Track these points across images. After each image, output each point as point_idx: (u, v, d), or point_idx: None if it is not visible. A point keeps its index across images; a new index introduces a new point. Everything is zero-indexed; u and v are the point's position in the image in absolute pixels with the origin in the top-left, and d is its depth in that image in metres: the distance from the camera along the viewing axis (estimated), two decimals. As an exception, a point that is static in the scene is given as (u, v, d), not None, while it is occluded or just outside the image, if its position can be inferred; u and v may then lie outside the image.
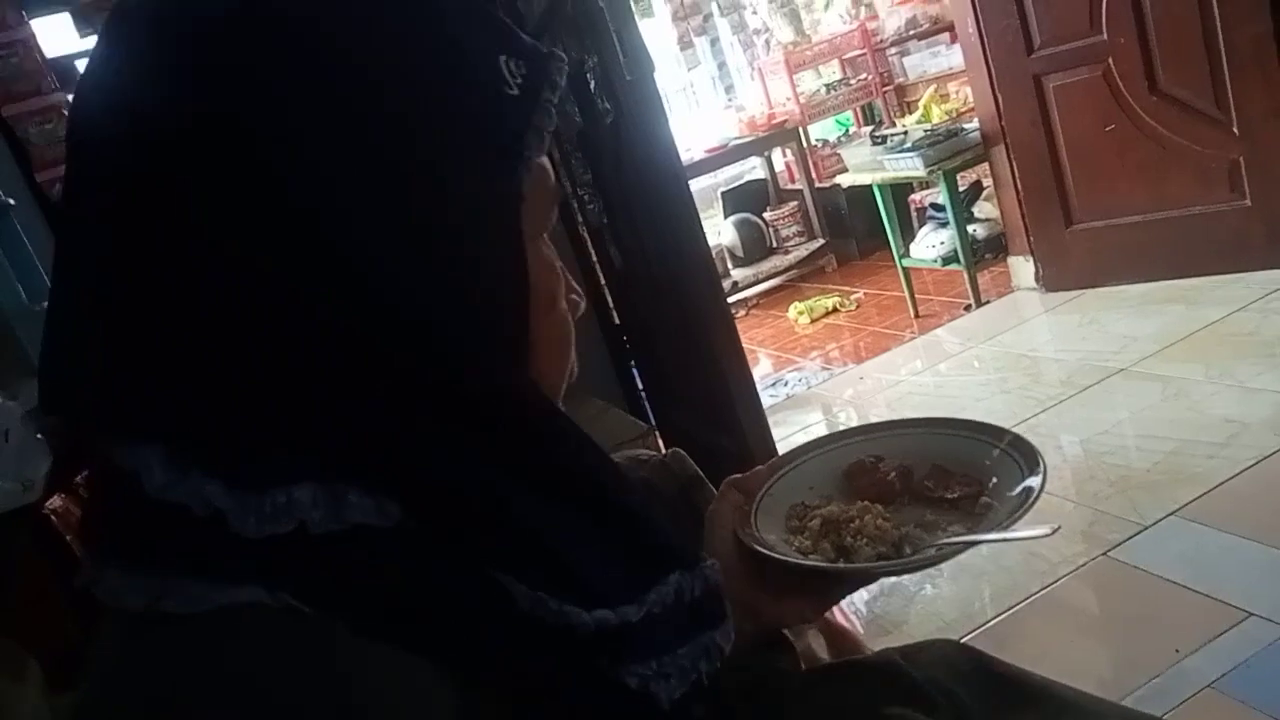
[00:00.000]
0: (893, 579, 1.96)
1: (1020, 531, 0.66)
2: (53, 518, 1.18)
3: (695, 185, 4.70)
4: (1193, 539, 1.93)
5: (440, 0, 0.43)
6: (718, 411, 2.18)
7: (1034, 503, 0.67)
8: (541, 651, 0.42)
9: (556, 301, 0.50)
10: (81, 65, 2.23)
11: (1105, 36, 3.05)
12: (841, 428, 3.04)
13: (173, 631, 0.37)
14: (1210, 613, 1.70)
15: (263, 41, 0.39)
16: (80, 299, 0.41)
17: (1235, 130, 2.88)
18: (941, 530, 0.71)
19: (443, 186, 0.41)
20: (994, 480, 0.72)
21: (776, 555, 0.67)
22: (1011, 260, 3.72)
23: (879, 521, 0.71)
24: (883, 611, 2.07)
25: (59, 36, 2.27)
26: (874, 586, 1.93)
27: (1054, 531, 0.68)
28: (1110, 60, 3.07)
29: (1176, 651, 1.64)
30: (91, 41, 2.17)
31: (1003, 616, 1.90)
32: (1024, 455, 0.72)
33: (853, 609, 2.06)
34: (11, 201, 1.75)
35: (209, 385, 0.39)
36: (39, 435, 1.25)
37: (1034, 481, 0.68)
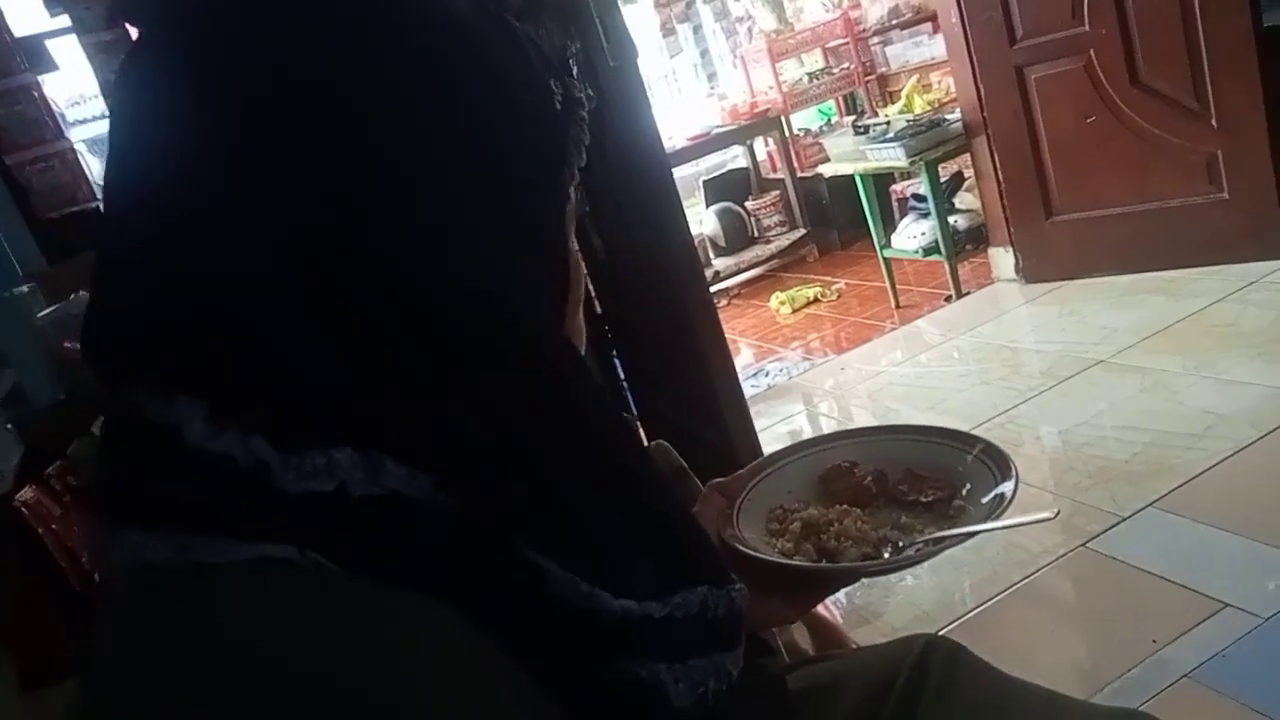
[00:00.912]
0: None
1: (1023, 517, 0.68)
2: (23, 509, 1.16)
3: (677, 173, 4.66)
4: (1170, 530, 1.95)
5: (512, 26, 0.49)
6: (700, 402, 2.17)
7: (1009, 505, 0.69)
8: (563, 632, 0.42)
9: (580, 298, 0.53)
10: (53, 46, 2.19)
11: (1087, 28, 3.06)
12: (823, 417, 3.05)
13: (205, 582, 0.37)
14: (1188, 603, 1.72)
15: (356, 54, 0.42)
16: (130, 254, 0.42)
17: (1214, 123, 2.90)
18: (918, 533, 0.73)
19: (512, 176, 0.45)
20: (968, 486, 0.74)
21: (765, 557, 0.68)
22: (992, 251, 3.73)
23: (859, 524, 0.73)
24: (863, 603, 2.07)
25: (28, 15, 2.22)
26: (855, 577, 1.94)
27: (1055, 515, 0.69)
28: (1092, 52, 3.08)
29: (1154, 642, 1.65)
30: (62, 21, 2.13)
31: (982, 607, 1.91)
32: (996, 462, 0.74)
33: (834, 600, 2.07)
34: (-20, 185, 1.71)
35: (255, 345, 0.39)
36: (8, 426, 1.22)
37: (1006, 487, 0.70)
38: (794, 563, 0.69)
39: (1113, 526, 2.01)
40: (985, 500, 0.71)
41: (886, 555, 0.70)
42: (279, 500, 0.38)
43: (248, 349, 0.39)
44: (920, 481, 0.76)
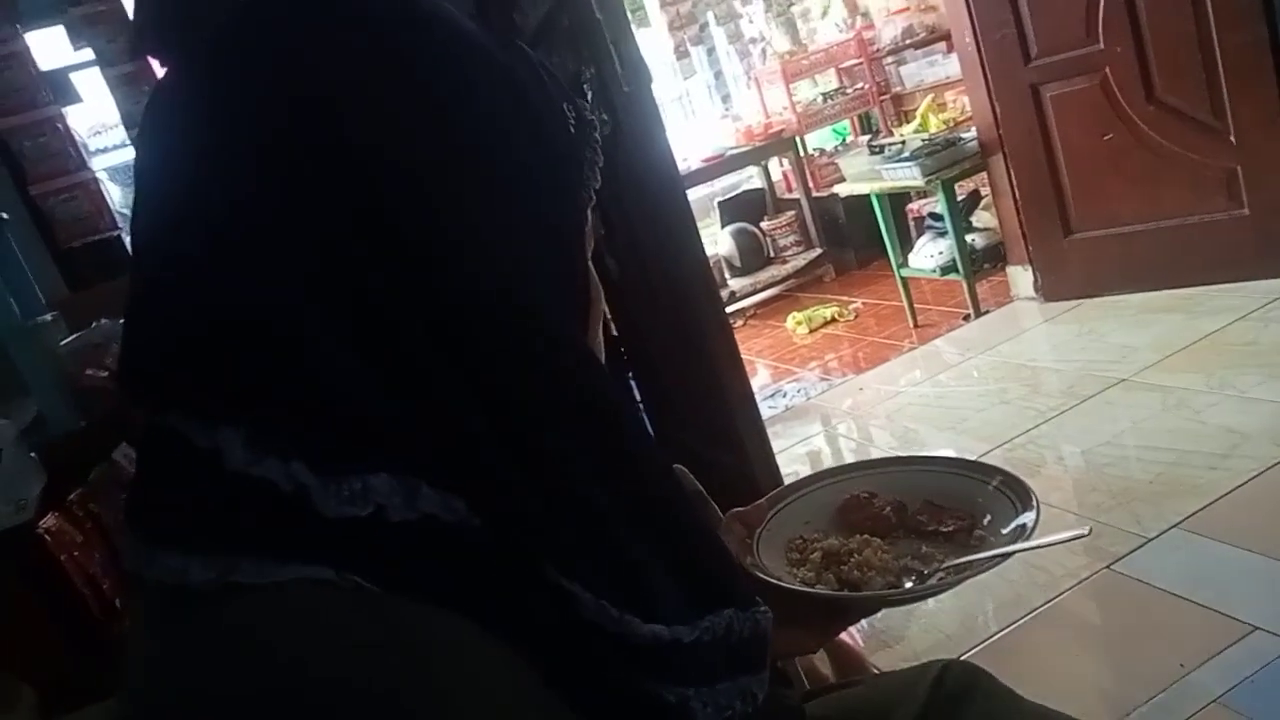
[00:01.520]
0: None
1: (1055, 536, 0.68)
2: (46, 537, 1.17)
3: (691, 195, 4.67)
4: (1196, 551, 1.92)
5: (527, 53, 0.50)
6: (717, 424, 2.16)
7: (1031, 534, 0.68)
8: (592, 655, 0.42)
9: (599, 318, 0.53)
10: (76, 79, 2.23)
11: (1102, 46, 3.05)
12: (841, 438, 3.03)
13: (246, 600, 0.38)
14: (1215, 626, 1.69)
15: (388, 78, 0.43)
16: (163, 283, 0.43)
17: (1232, 139, 2.88)
18: (938, 562, 0.72)
19: (533, 197, 0.46)
20: (988, 517, 0.74)
21: (789, 586, 0.68)
22: (1010, 270, 3.71)
23: (880, 554, 0.72)
24: (883, 627, 2.05)
25: (53, 49, 2.26)
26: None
27: (1089, 533, 0.68)
28: (1107, 69, 3.07)
29: (1181, 666, 1.62)
30: (86, 54, 2.17)
31: (1005, 631, 1.89)
32: (1016, 492, 0.74)
33: (854, 626, 2.05)
34: (5, 216, 1.74)
35: (291, 373, 0.40)
36: (32, 455, 1.23)
37: (1028, 517, 0.70)
38: (818, 591, 0.68)
39: (1137, 548, 1.98)
40: (1006, 531, 0.70)
41: (909, 584, 0.69)
42: (318, 524, 0.39)
43: (284, 377, 0.40)
44: (939, 512, 0.75)
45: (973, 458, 2.51)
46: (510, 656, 0.40)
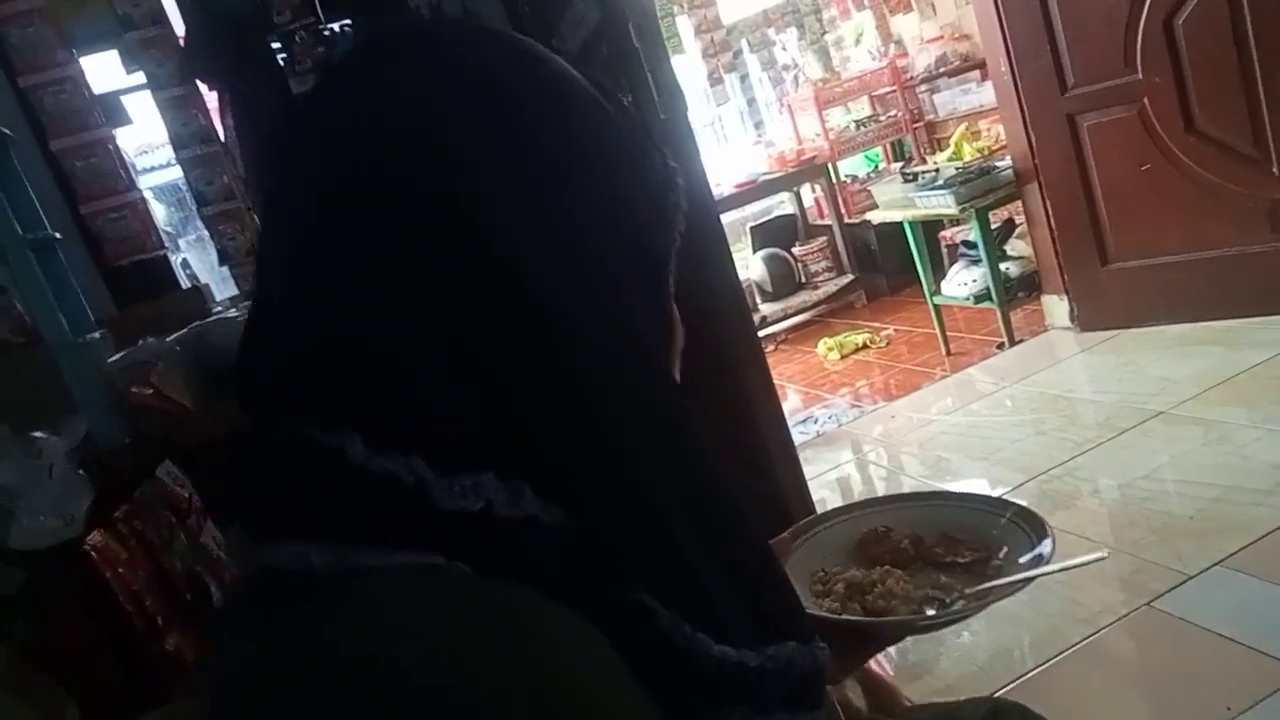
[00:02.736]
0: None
1: (1074, 560, 0.69)
2: (93, 554, 1.18)
3: (724, 220, 4.70)
4: (1240, 590, 1.88)
5: (621, 101, 0.53)
6: (749, 450, 2.15)
7: (1049, 562, 0.70)
8: (661, 671, 0.43)
9: (677, 357, 0.55)
10: (127, 101, 2.29)
11: (1140, 75, 3.04)
12: (872, 465, 3.02)
13: (365, 580, 0.40)
14: (1261, 669, 1.65)
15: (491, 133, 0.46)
16: (288, 295, 0.46)
17: (1275, 170, 2.85)
18: (958, 591, 0.73)
19: (633, 237, 0.49)
20: (1004, 549, 0.75)
21: (817, 613, 0.68)
22: (1045, 299, 3.68)
23: (902, 584, 0.74)
24: (916, 659, 2.02)
25: (106, 73, 2.32)
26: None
27: (1105, 556, 0.69)
28: (1145, 100, 3.05)
29: (1228, 709, 1.59)
30: (138, 77, 2.23)
31: (1042, 667, 1.85)
32: (1030, 525, 0.75)
33: (885, 657, 2.02)
34: (58, 235, 1.78)
35: (407, 387, 0.43)
36: (80, 471, 1.25)
37: (1045, 547, 0.71)
38: (845, 618, 0.69)
39: (1178, 585, 1.94)
40: (1023, 560, 0.72)
41: (933, 612, 0.70)
42: (434, 514, 0.41)
43: (400, 390, 0.43)
44: (956, 545, 0.77)
45: (985, 492, 2.52)
46: (611, 651, 0.42)
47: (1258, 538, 2.00)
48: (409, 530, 0.42)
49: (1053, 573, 0.69)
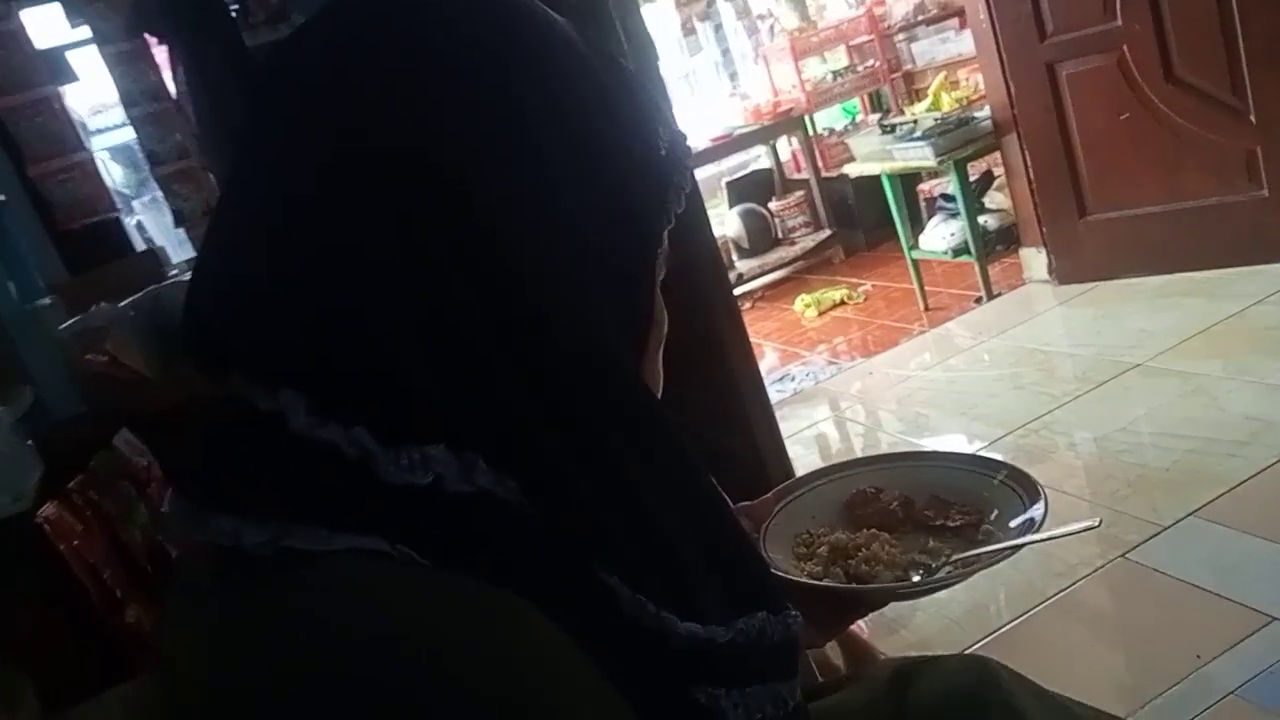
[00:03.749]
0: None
1: (1064, 528, 0.68)
2: (46, 527, 1.15)
3: (699, 175, 4.65)
4: (1214, 541, 1.89)
5: (627, 72, 0.51)
6: (725, 409, 2.13)
7: (1039, 528, 0.69)
8: (627, 650, 0.42)
9: (661, 342, 0.53)
10: (73, 57, 2.19)
11: (1120, 23, 2.99)
12: (850, 422, 3.00)
13: (302, 569, 0.38)
14: (1232, 617, 1.66)
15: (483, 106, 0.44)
16: (239, 246, 0.44)
17: (1253, 119, 2.82)
18: (945, 556, 0.72)
19: (619, 214, 0.47)
20: (995, 512, 0.74)
21: (796, 579, 0.67)
22: (1024, 252, 3.66)
23: (887, 548, 0.73)
24: (893, 614, 2.02)
25: (49, 28, 2.22)
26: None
27: (1099, 524, 0.68)
28: (1125, 48, 3.01)
29: (1198, 658, 1.60)
30: (83, 32, 2.13)
31: (1018, 620, 1.86)
32: (1023, 486, 0.74)
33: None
34: (2, 198, 1.71)
35: (358, 343, 0.41)
36: (28, 443, 1.21)
37: (1036, 511, 0.70)
38: (825, 584, 0.68)
39: (1153, 537, 1.95)
40: (1014, 524, 0.70)
41: (917, 578, 0.68)
42: (378, 491, 0.39)
43: (351, 347, 0.41)
44: (946, 507, 0.76)
45: (978, 452, 2.52)
46: (564, 638, 0.40)
47: (1231, 488, 2.01)
48: (351, 508, 0.39)
49: (1042, 540, 0.68)
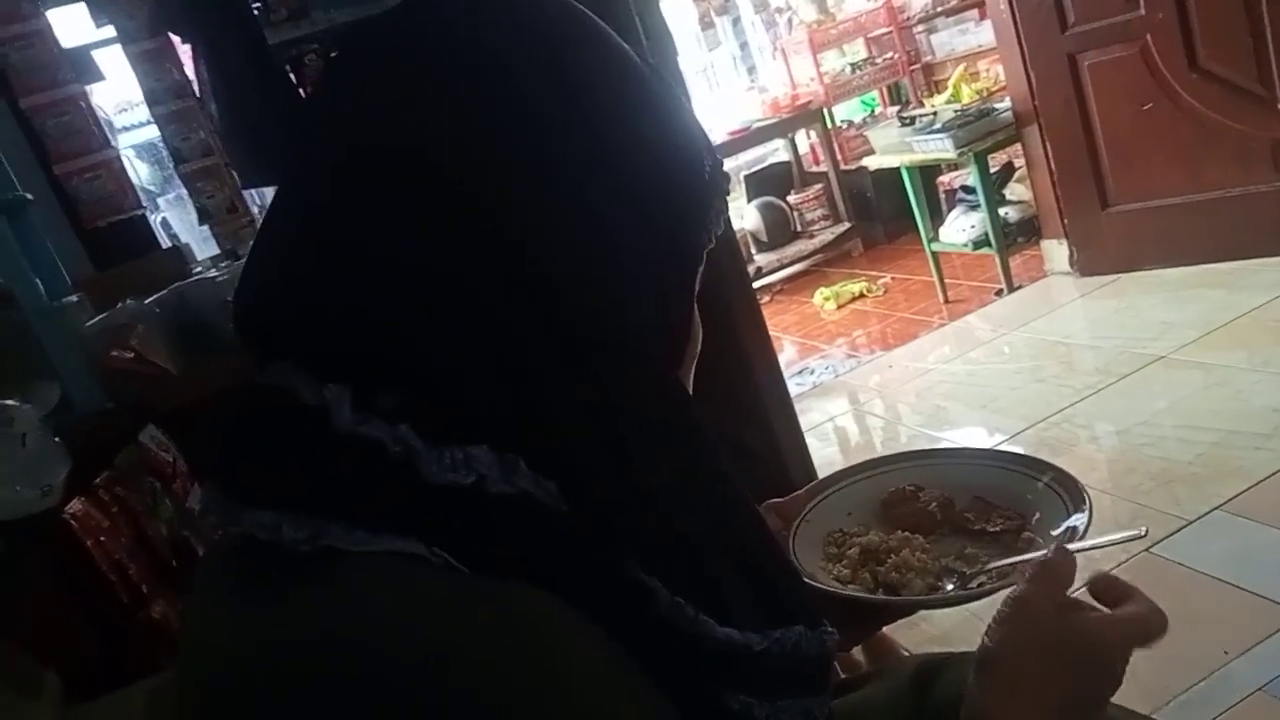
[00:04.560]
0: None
1: (1106, 537, 0.65)
2: (72, 523, 1.16)
3: (718, 169, 4.62)
4: (1239, 535, 1.87)
5: (677, 93, 0.51)
6: (744, 403, 2.13)
7: (1082, 538, 0.66)
8: (663, 652, 0.43)
9: (695, 357, 0.54)
10: (98, 56, 2.22)
11: (1143, 12, 2.95)
12: (869, 416, 2.98)
13: (340, 568, 0.38)
14: (1258, 612, 1.64)
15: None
16: (294, 232, 0.45)
17: (1279, 108, 2.78)
18: (982, 564, 0.69)
19: (664, 231, 0.48)
20: (1037, 515, 0.71)
21: (821, 586, 0.66)
22: (1045, 244, 3.63)
23: (919, 554, 0.70)
24: (915, 608, 2.02)
25: (75, 27, 2.25)
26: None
27: (1144, 534, 0.66)
28: (1148, 37, 2.97)
29: (1224, 653, 1.58)
30: (107, 31, 2.16)
31: (1040, 614, 1.85)
32: (1068, 490, 0.71)
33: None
34: (29, 196, 1.73)
35: (407, 340, 0.41)
36: (56, 439, 1.23)
37: (1079, 520, 0.67)
38: (851, 594, 0.66)
39: (1177, 531, 1.93)
40: (1056, 533, 0.67)
41: (950, 587, 0.66)
42: (419, 491, 0.39)
43: (400, 343, 0.41)
44: (988, 510, 0.73)
45: (1001, 446, 2.50)
46: (601, 633, 0.40)
47: (1256, 482, 1.99)
48: (391, 508, 0.39)
49: (1084, 550, 0.64)
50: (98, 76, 2.26)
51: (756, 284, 4.42)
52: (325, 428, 0.40)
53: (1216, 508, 1.96)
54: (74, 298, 1.69)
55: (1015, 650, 0.54)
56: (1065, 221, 3.45)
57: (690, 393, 0.54)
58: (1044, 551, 0.65)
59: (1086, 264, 3.43)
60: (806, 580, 0.66)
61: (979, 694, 0.53)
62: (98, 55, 2.27)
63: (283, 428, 0.41)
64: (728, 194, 0.53)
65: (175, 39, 2.19)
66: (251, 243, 0.48)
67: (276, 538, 0.39)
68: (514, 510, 0.40)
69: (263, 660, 0.37)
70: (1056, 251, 3.56)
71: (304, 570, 0.38)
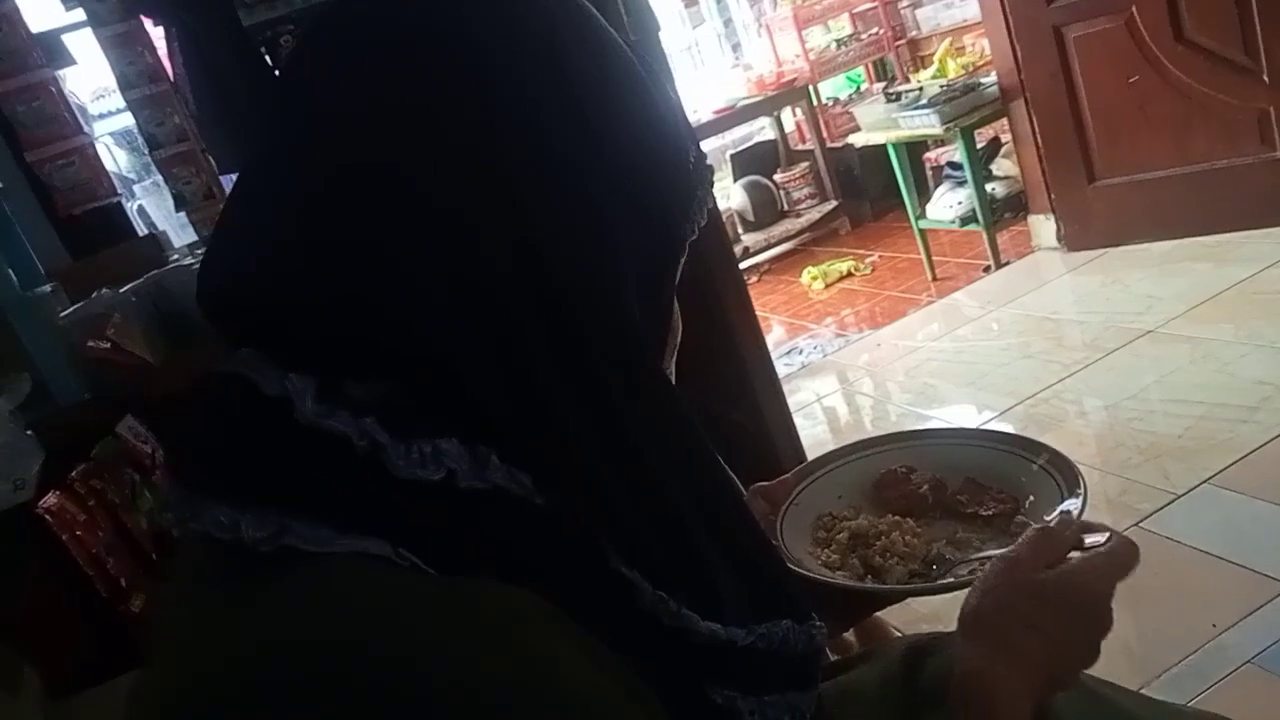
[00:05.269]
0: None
1: (1097, 536, 0.63)
2: (47, 517, 1.14)
3: (703, 148, 4.59)
4: (1227, 508, 1.87)
5: (665, 87, 0.51)
6: (732, 383, 2.12)
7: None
8: (647, 646, 0.42)
9: (675, 348, 0.53)
10: (69, 40, 2.17)
11: (1129, -17, 2.93)
12: (859, 395, 2.96)
13: (303, 571, 0.36)
14: (1247, 585, 1.65)
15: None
16: (264, 220, 0.43)
17: (1266, 79, 2.77)
18: (974, 549, 0.68)
19: (649, 218, 0.47)
20: (1030, 499, 0.70)
21: (807, 574, 0.64)
22: (1032, 219, 3.62)
23: (909, 538, 0.69)
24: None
25: (44, 10, 2.20)
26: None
27: (1109, 538, 0.63)
28: (1134, 9, 2.95)
29: (1213, 626, 1.59)
30: (78, 14, 2.11)
31: (1030, 590, 1.85)
32: (1063, 473, 0.69)
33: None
34: (0, 184, 1.69)
35: (371, 330, 0.40)
36: (28, 433, 1.20)
37: (1073, 505, 0.66)
38: (839, 582, 0.65)
39: (1166, 505, 1.93)
40: (1049, 518, 0.66)
41: (937, 573, 0.65)
42: (387, 487, 0.38)
43: (367, 333, 0.40)
44: (981, 492, 0.72)
45: (990, 424, 2.49)
46: (578, 628, 0.39)
47: (1244, 454, 1.99)
48: (356, 505, 0.38)
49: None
50: (69, 61, 2.21)
51: (743, 264, 4.40)
52: (285, 421, 0.38)
53: (1205, 481, 1.96)
54: (48, 287, 1.67)
55: (998, 607, 0.53)
56: (1052, 196, 3.44)
57: (674, 383, 0.53)
58: (1050, 518, 0.64)
59: (1074, 239, 3.43)
60: (794, 567, 0.65)
61: (968, 657, 0.53)
62: (68, 39, 2.22)
63: (241, 420, 0.40)
64: (711, 184, 0.53)
65: (147, 22, 2.14)
66: (215, 224, 0.46)
67: (235, 536, 0.37)
68: (486, 506, 0.39)
69: (225, 675, 0.36)
70: (1044, 227, 3.55)
71: (267, 572, 0.36)
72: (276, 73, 2.03)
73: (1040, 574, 0.54)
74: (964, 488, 0.72)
